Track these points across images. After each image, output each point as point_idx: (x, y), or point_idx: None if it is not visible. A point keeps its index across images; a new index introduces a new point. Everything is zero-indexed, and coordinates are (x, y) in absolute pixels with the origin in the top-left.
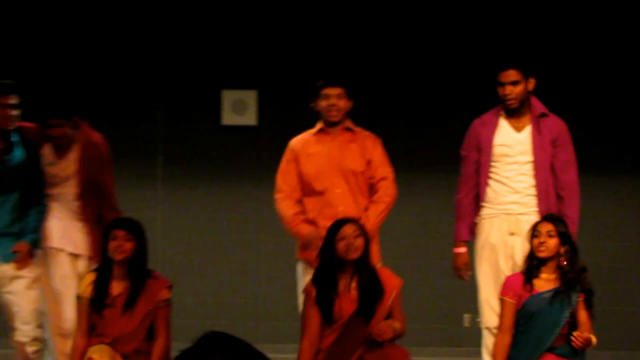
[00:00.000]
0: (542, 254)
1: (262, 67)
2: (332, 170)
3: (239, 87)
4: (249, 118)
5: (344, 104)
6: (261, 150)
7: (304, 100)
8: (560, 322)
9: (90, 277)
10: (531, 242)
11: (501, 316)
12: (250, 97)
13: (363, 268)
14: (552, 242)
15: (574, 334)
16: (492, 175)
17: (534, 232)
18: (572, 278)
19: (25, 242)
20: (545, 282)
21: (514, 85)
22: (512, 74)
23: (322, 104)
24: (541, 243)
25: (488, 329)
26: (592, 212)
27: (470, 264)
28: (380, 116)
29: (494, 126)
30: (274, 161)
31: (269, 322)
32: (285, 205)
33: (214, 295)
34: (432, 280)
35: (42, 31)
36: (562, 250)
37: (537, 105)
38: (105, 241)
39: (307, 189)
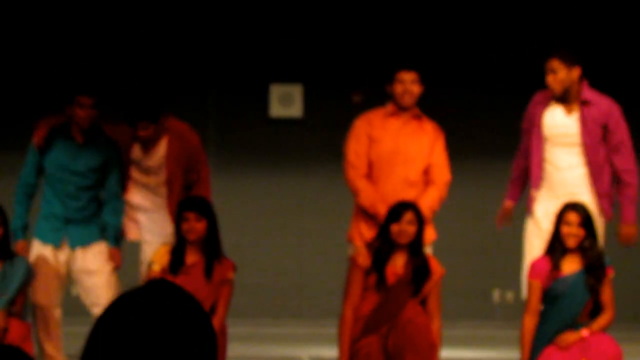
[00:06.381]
0: (572, 245)
1: (307, 62)
2: (396, 156)
3: (286, 81)
4: (295, 111)
5: (417, 89)
6: (306, 141)
7: (347, 94)
8: (584, 302)
9: (165, 249)
10: (558, 228)
11: (529, 299)
12: (296, 91)
13: (414, 252)
14: (582, 233)
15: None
16: (543, 155)
17: (562, 219)
18: (595, 262)
19: (115, 247)
20: (570, 264)
21: (555, 73)
22: (554, 63)
23: (397, 88)
24: (572, 234)
25: None
26: None
27: (511, 218)
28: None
29: (545, 107)
30: (318, 151)
31: (313, 300)
32: (362, 183)
33: (261, 276)
34: (463, 257)
35: (106, 26)
36: (586, 240)
37: (586, 92)
38: (178, 221)
39: (369, 170)
